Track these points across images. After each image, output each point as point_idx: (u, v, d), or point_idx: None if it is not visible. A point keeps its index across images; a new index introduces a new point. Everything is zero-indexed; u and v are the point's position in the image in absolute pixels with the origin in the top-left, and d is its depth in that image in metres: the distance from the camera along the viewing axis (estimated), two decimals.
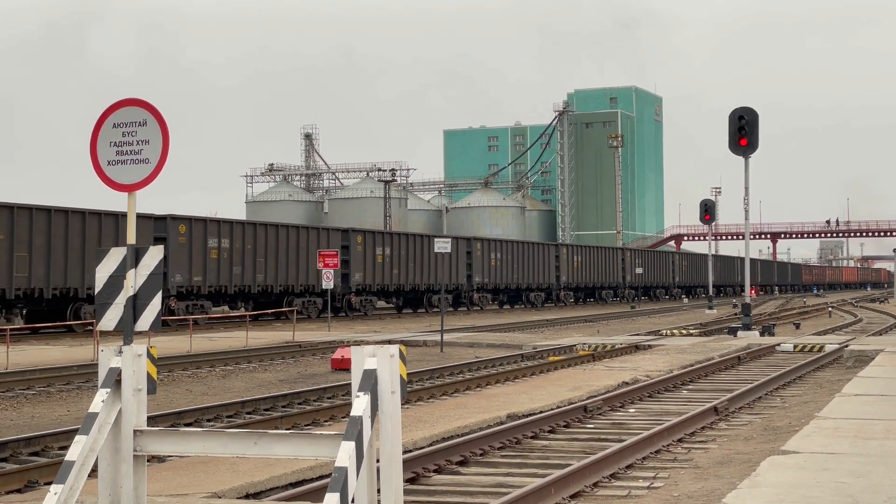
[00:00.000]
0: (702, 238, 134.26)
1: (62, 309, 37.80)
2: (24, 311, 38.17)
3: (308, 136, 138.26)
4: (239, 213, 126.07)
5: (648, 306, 74.89)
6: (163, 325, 34.90)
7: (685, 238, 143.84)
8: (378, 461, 6.55)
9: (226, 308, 46.81)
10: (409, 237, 58.88)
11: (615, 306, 75.28)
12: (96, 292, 8.09)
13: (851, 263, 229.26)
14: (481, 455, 11.97)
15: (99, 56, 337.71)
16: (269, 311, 45.48)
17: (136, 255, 7.99)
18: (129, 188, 8.32)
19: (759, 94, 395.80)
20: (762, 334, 34.63)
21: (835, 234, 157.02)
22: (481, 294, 64.05)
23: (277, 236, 47.86)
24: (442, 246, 30.97)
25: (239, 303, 46.42)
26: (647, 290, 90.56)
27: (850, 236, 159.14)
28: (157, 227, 41.38)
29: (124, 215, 38.78)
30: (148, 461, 7.41)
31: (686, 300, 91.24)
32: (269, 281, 46.98)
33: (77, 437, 6.89)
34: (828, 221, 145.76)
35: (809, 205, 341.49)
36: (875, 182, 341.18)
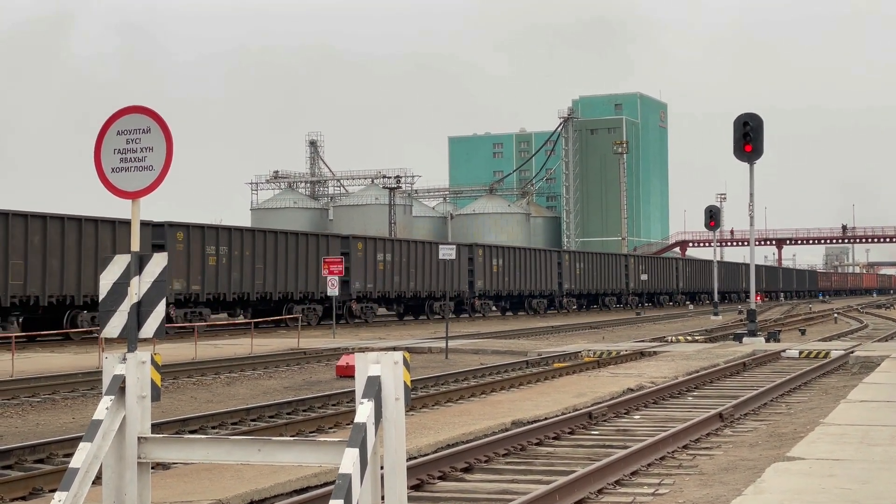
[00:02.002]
0: (707, 244, 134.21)
1: (58, 317, 37.58)
2: (21, 319, 37.89)
3: (313, 144, 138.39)
4: (244, 220, 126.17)
5: (653, 313, 74.82)
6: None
7: (690, 244, 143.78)
8: (382, 468, 6.55)
9: (224, 315, 47.01)
10: (411, 244, 58.56)
11: (619, 313, 75.23)
12: (100, 299, 8.10)
13: (857, 269, 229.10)
14: (486, 462, 11.96)
15: (97, 59, 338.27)
16: (270, 318, 45.27)
17: (139, 263, 7.99)
18: (133, 195, 8.33)
19: (758, 94, 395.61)
20: (767, 340, 34.59)
21: (841, 241, 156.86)
22: (483, 301, 63.89)
23: (276, 243, 47.42)
24: (447, 252, 30.97)
25: (238, 310, 46.23)
26: (651, 297, 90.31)
27: (856, 242, 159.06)
28: (156, 234, 41.02)
29: (122, 222, 38.82)
30: (152, 468, 7.40)
31: (691, 307, 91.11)
32: (268, 288, 46.72)
33: (81, 445, 6.88)
34: (844, 227, 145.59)
35: (812, 209, 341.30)
36: (876, 185, 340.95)
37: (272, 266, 46.86)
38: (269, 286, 46.69)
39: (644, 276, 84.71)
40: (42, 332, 34.92)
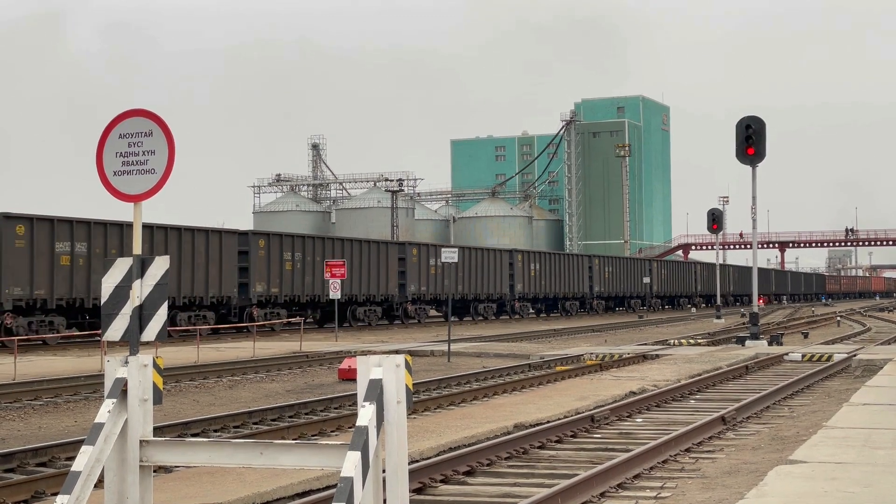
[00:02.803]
0: (709, 247, 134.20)
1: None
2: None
3: (315, 147, 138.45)
4: (246, 223, 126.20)
5: (656, 316, 75.00)
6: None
7: (693, 247, 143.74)
8: (384, 471, 6.55)
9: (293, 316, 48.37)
10: (460, 250, 60.79)
11: (622, 315, 75.58)
12: (102, 302, 8.10)
13: (861, 272, 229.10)
14: (488, 465, 11.95)
15: (96, 62, 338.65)
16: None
17: (142, 266, 8.00)
18: (136, 198, 8.34)
19: (759, 94, 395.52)
20: (770, 344, 34.57)
21: (844, 244, 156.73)
22: (522, 303, 67.98)
23: (343, 249, 50.75)
24: (449, 256, 31.01)
25: (308, 311, 49.21)
26: (671, 300, 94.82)
27: (859, 245, 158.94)
28: (241, 242, 45.16)
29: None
30: (154, 471, 7.40)
31: (694, 310, 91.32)
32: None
33: (83, 448, 6.88)
34: (850, 230, 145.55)
35: (813, 209, 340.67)
36: (877, 185, 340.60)
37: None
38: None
39: (647, 279, 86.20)
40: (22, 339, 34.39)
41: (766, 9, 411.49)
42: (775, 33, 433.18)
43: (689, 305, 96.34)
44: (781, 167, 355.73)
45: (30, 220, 36.24)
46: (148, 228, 39.20)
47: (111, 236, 38.70)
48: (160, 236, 40.45)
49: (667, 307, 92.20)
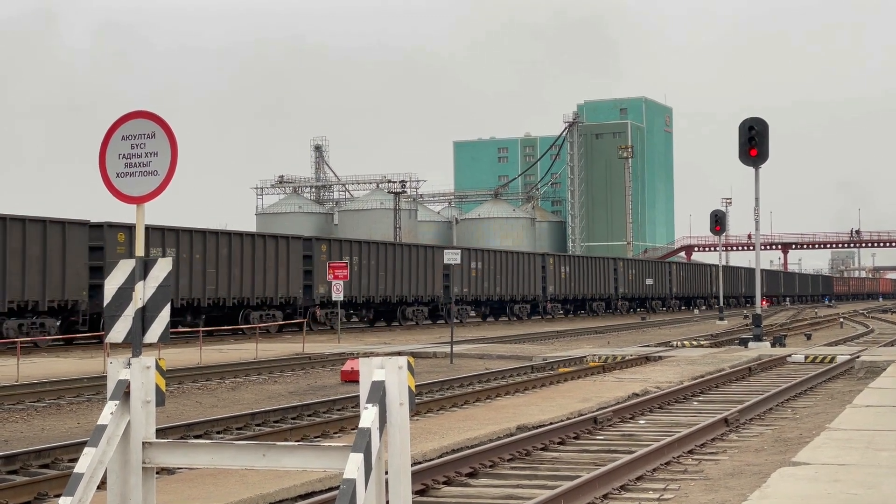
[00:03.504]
0: (712, 249, 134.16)
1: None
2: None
3: (318, 148, 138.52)
4: (249, 225, 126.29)
5: (658, 317, 75.05)
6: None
7: (696, 249, 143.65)
8: (387, 473, 6.54)
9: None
10: (498, 254, 67.13)
11: (620, 318, 75.74)
12: (105, 304, 8.11)
13: (864, 274, 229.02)
14: (491, 467, 11.95)
15: (96, 62, 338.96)
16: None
17: (144, 268, 8.00)
18: (139, 200, 8.34)
19: (760, 96, 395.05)
20: (773, 345, 34.53)
21: (848, 245, 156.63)
22: (553, 304, 72.03)
23: (395, 254, 54.93)
24: (451, 257, 31.02)
25: (363, 311, 54.45)
26: (687, 301, 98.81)
27: (861, 247, 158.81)
28: (306, 247, 49.07)
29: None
30: (157, 473, 7.40)
31: (696, 311, 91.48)
32: (388, 293, 54.33)
33: (86, 450, 6.88)
34: (854, 230, 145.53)
35: (815, 211, 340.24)
36: (878, 184, 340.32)
37: (391, 274, 54.51)
38: (389, 291, 54.46)
39: (650, 281, 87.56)
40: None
41: (766, 8, 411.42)
42: (776, 32, 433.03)
43: (704, 307, 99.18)
44: (784, 168, 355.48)
45: (129, 228, 38.50)
46: (226, 235, 44.78)
47: (195, 242, 42.76)
48: (236, 242, 44.95)
49: (682, 308, 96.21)
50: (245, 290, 44.99)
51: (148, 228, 39.52)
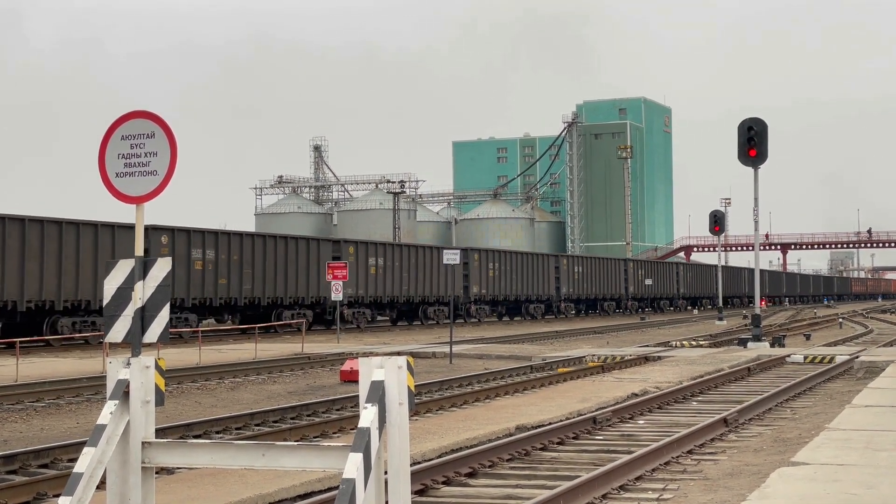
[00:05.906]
0: (711, 249, 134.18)
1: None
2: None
3: (317, 148, 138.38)
4: (248, 225, 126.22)
5: (657, 317, 75.08)
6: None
7: (695, 249, 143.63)
8: (386, 473, 6.54)
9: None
10: (513, 255, 69.10)
11: (625, 317, 75.80)
12: (104, 304, 8.11)
13: (863, 274, 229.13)
14: (490, 467, 11.95)
15: (93, 61, 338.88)
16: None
17: (144, 267, 8.00)
18: (138, 200, 8.34)
19: (759, 95, 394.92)
20: (772, 345, 34.55)
21: (845, 245, 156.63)
22: (566, 303, 73.83)
23: (416, 255, 56.98)
24: (450, 257, 30.99)
25: (387, 311, 56.57)
26: (693, 301, 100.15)
27: (860, 247, 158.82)
28: (335, 249, 50.91)
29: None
30: (156, 473, 7.40)
31: (696, 312, 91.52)
32: (411, 293, 56.47)
33: (85, 450, 6.88)
34: (868, 231, 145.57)
35: (813, 211, 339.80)
36: (877, 183, 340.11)
37: (413, 274, 56.73)
38: (412, 291, 56.88)
39: (649, 281, 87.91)
40: (22, 339, 34.17)
41: (765, 8, 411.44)
42: (776, 31, 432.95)
43: (710, 306, 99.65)
44: (784, 168, 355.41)
45: (171, 231, 42.15)
46: (261, 237, 47.90)
47: (233, 244, 45.13)
48: (270, 245, 47.44)
49: (689, 308, 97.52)
50: (279, 289, 47.39)
51: (189, 231, 42.88)
